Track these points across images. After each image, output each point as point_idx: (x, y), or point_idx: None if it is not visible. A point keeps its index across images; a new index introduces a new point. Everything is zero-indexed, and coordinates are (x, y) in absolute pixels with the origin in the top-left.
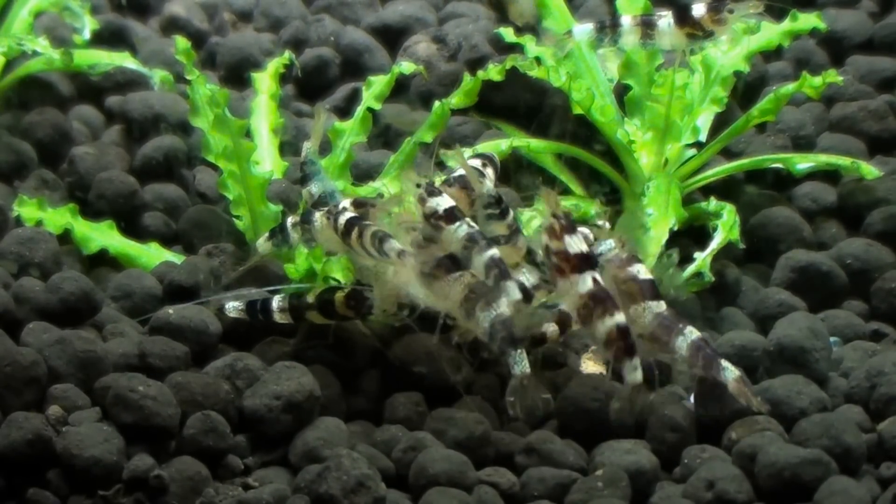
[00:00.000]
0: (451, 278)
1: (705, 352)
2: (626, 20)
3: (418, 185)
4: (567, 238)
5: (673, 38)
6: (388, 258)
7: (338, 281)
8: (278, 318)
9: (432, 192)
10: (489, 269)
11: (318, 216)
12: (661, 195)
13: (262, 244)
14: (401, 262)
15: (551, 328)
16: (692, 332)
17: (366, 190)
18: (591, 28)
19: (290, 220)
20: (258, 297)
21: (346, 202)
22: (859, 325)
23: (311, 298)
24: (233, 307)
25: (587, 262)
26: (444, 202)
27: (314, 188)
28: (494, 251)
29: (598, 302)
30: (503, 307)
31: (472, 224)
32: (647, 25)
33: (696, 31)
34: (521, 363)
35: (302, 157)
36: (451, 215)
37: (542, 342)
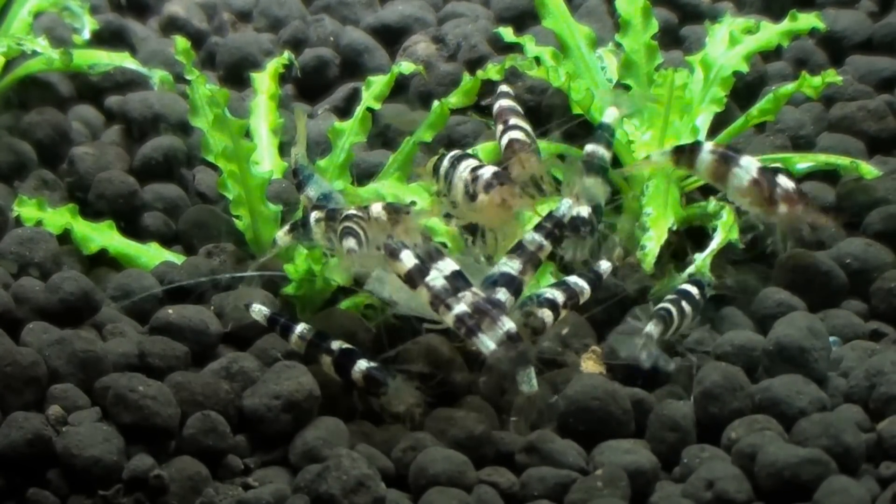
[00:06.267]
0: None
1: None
2: None
3: (378, 248)
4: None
5: None
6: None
7: (335, 281)
8: (294, 343)
9: (393, 253)
10: (458, 328)
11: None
12: (660, 195)
13: (283, 237)
14: (349, 258)
15: (546, 315)
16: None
17: (366, 190)
18: None
19: (314, 215)
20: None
21: (379, 206)
22: (859, 324)
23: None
24: (258, 310)
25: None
26: (405, 264)
27: (311, 192)
28: (459, 308)
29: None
30: (506, 326)
31: (436, 281)
32: None
33: None
34: (529, 382)
35: (292, 163)
36: (411, 279)
37: (541, 331)
